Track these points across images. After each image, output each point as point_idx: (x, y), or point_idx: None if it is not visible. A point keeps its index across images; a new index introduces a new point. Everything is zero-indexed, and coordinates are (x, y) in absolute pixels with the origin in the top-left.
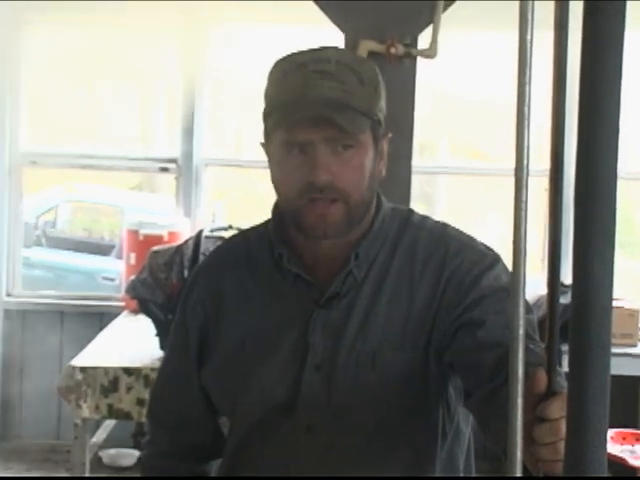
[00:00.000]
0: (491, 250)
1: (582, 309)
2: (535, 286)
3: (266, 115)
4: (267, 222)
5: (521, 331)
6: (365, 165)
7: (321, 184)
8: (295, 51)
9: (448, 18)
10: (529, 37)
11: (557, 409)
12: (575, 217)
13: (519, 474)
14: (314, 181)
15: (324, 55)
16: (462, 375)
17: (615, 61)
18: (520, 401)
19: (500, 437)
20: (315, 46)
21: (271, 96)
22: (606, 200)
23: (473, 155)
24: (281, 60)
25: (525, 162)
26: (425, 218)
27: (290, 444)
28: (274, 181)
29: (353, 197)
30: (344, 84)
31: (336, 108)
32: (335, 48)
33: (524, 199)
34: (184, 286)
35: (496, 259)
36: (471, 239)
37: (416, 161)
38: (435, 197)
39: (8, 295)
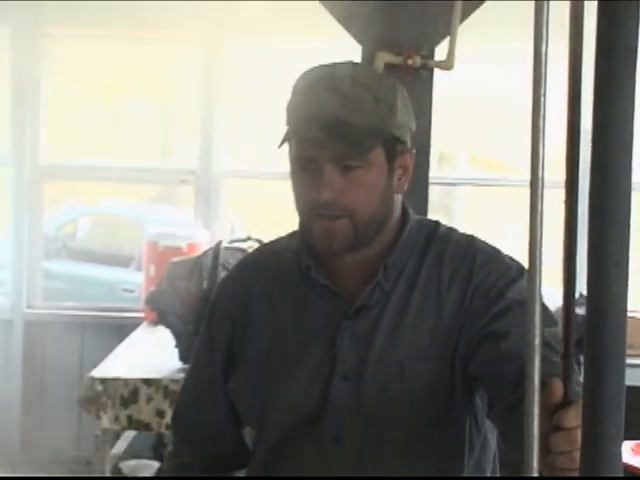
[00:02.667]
0: (516, 262)
1: (597, 319)
2: (554, 298)
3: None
4: (292, 234)
5: (537, 340)
6: (374, 183)
7: (324, 202)
8: (320, 65)
9: (466, 29)
10: (544, 49)
11: (573, 418)
12: (589, 228)
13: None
14: (317, 199)
15: (342, 72)
16: (485, 386)
17: (629, 72)
18: (537, 409)
19: (522, 448)
20: (333, 59)
21: (289, 109)
22: (621, 210)
23: (492, 166)
24: (304, 74)
25: (540, 174)
26: (452, 230)
27: (318, 455)
28: (293, 191)
29: (359, 214)
30: (355, 102)
31: (341, 129)
32: (355, 64)
33: (539, 210)
34: (206, 300)
35: (521, 271)
36: (497, 251)
37: (435, 172)
38: (454, 209)
39: (29, 307)
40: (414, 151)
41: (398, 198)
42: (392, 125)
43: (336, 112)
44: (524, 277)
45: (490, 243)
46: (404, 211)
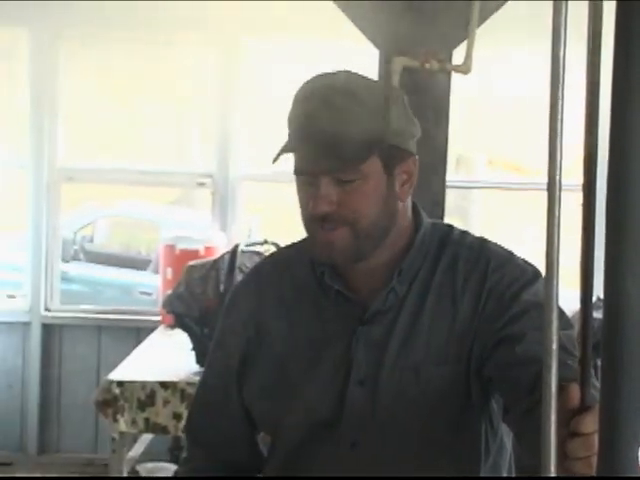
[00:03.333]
0: (531, 265)
1: (614, 323)
2: (572, 301)
3: None
4: (306, 239)
5: (554, 346)
6: (372, 194)
7: (321, 215)
8: (318, 75)
9: (483, 32)
10: (562, 51)
11: (590, 423)
12: (607, 232)
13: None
14: (315, 213)
15: (333, 82)
16: (501, 390)
17: None
18: (554, 414)
19: (537, 452)
20: (348, 63)
21: (288, 121)
22: (638, 215)
23: (510, 168)
24: (302, 85)
25: (558, 177)
26: (465, 233)
27: (335, 460)
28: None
29: (360, 224)
30: (346, 115)
31: (333, 142)
32: (347, 73)
33: (557, 214)
34: (223, 303)
35: (536, 274)
36: (511, 254)
37: (451, 175)
38: (470, 211)
39: (46, 309)
40: (417, 157)
41: (407, 203)
42: (387, 134)
43: (327, 126)
44: (539, 280)
45: (504, 246)
46: (417, 215)
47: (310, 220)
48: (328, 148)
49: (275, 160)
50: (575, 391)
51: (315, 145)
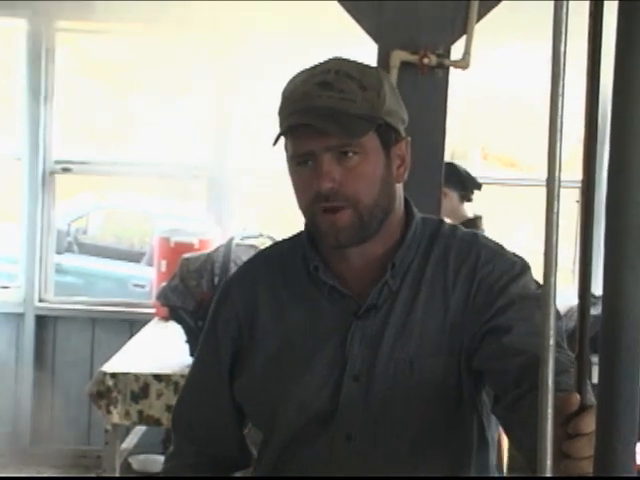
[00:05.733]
0: (520, 258)
1: (612, 320)
2: (566, 297)
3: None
4: (300, 234)
5: (552, 341)
6: (373, 170)
7: (325, 192)
8: (304, 68)
9: (482, 28)
10: (563, 48)
11: (592, 422)
12: (606, 228)
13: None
14: (319, 190)
15: (325, 66)
16: (489, 382)
17: None
18: (550, 411)
19: (523, 445)
20: (349, 54)
21: (280, 113)
22: (638, 211)
23: (506, 164)
24: (291, 79)
25: (557, 173)
26: (455, 228)
27: (330, 454)
28: (294, 191)
29: (363, 202)
30: (342, 92)
31: (332, 116)
32: (338, 59)
33: (555, 210)
34: (214, 297)
35: (525, 267)
36: (501, 247)
37: None
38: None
39: (40, 301)
40: (409, 139)
41: (400, 191)
42: (382, 111)
43: (325, 103)
44: (527, 273)
45: (494, 240)
46: (409, 210)
47: (313, 201)
48: (329, 122)
49: (275, 142)
50: (574, 398)
51: (316, 120)
